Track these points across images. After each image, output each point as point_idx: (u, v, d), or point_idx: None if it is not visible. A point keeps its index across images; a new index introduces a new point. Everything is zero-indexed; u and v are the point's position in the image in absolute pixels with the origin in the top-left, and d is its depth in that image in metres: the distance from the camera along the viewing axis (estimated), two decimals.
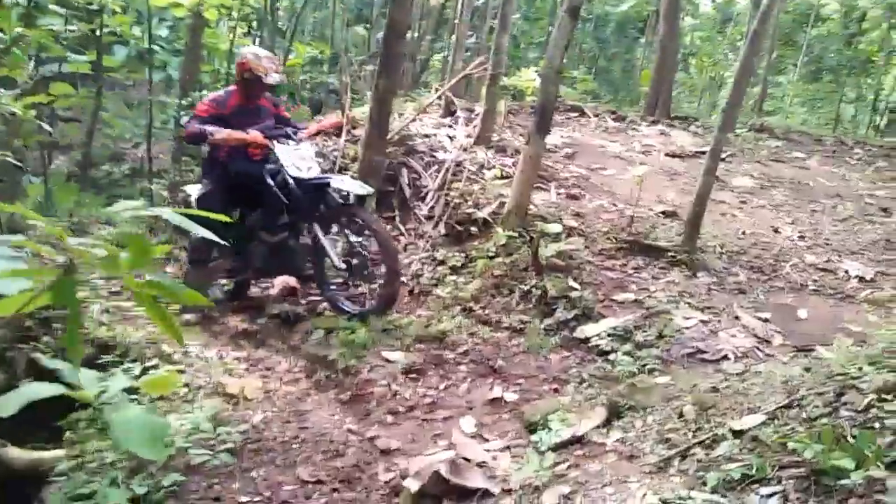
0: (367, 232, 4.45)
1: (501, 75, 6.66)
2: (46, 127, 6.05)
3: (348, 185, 4.37)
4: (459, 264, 5.02)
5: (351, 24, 14.15)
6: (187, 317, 4.69)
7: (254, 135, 4.33)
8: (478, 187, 5.72)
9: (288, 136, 4.55)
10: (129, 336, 4.47)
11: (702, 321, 3.88)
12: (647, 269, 4.51)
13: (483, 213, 5.22)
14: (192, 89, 10.10)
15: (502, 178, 5.81)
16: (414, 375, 3.78)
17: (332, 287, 4.70)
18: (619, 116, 8.81)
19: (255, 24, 11.87)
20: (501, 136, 6.89)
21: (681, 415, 3.06)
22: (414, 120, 6.84)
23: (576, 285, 4.29)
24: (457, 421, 3.45)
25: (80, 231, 8.56)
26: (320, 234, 4.49)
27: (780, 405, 2.91)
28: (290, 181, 4.37)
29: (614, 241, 4.76)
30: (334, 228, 4.66)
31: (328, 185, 4.37)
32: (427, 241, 5.53)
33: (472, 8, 10.20)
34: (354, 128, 6.98)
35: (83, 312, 4.97)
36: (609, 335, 3.85)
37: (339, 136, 7.02)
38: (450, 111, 7.38)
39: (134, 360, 4.30)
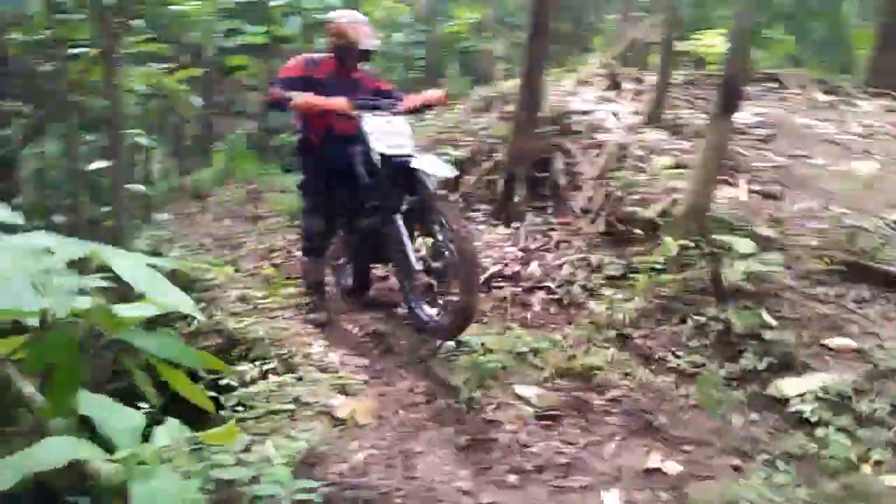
0: (441, 225, 3.61)
1: (677, 40, 5.56)
2: (196, 101, 5.97)
3: (429, 165, 3.60)
4: (618, 274, 4.18)
5: None
6: (312, 316, 4.35)
7: (337, 101, 3.71)
8: (645, 178, 4.79)
9: (380, 108, 3.92)
10: (256, 331, 4.24)
11: None
12: (875, 303, 3.38)
13: (649, 213, 4.31)
14: None
15: (676, 167, 4.82)
16: (548, 422, 3.08)
17: (416, 286, 3.93)
18: (831, 88, 7.22)
19: None
20: (677, 113, 5.82)
21: None
22: (573, 94, 5.98)
23: (771, 321, 3.30)
24: (598, 494, 2.71)
25: (256, 198, 8.82)
26: (399, 222, 3.78)
27: None
28: (376, 157, 3.73)
29: (827, 261, 3.65)
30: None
31: (410, 164, 3.64)
32: (583, 241, 4.73)
33: None
34: (507, 104, 6.27)
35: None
36: (817, 398, 2.87)
37: (488, 111, 6.37)
38: (615, 83, 6.39)
39: (255, 359, 4.06)
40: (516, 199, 5.21)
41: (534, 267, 4.73)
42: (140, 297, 1.12)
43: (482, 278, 4.61)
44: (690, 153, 4.89)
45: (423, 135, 7.17)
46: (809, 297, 3.45)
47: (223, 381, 3.78)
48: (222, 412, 3.38)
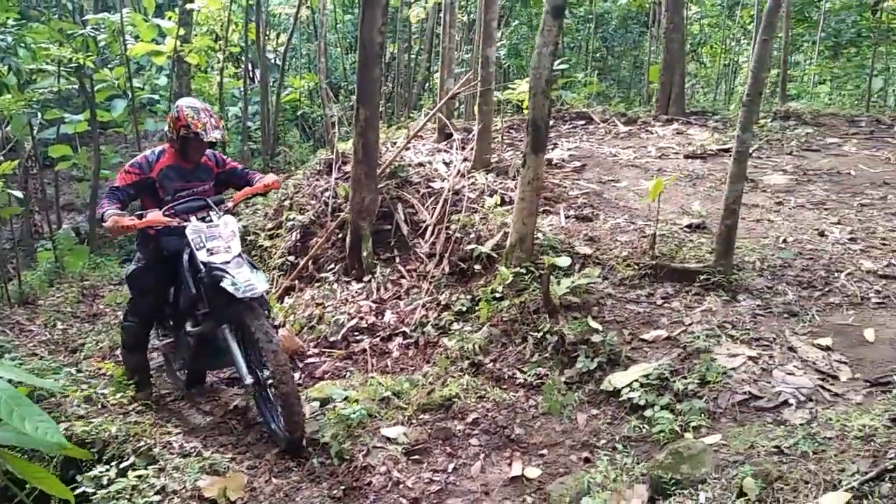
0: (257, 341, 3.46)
1: (493, 90, 6.13)
2: (17, 194, 5.67)
3: (239, 282, 3.44)
4: (465, 308, 4.48)
5: (349, 52, 13.81)
6: (140, 394, 4.25)
7: (151, 217, 3.59)
8: (479, 217, 5.18)
9: (209, 207, 3.81)
10: (107, 429, 4.02)
11: (750, 358, 3.28)
12: (678, 297, 3.91)
13: (485, 248, 4.67)
14: None
15: (504, 204, 5.27)
16: (417, 456, 3.24)
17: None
18: (630, 119, 8.21)
19: (252, 62, 11.53)
20: (501, 156, 6.36)
21: (741, 492, 2.47)
22: (406, 148, 6.35)
23: (597, 325, 3.71)
24: None
25: (91, 294, 8.26)
26: (228, 332, 3.65)
27: (867, 477, 2.31)
28: (201, 266, 3.61)
29: (636, 267, 4.17)
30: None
31: (221, 279, 3.50)
32: (430, 283, 5.00)
33: (456, 20, 9.68)
34: (345, 164, 6.52)
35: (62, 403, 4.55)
36: (642, 385, 3.27)
37: (329, 174, 6.58)
38: (445, 134, 6.87)
39: (110, 460, 3.85)
40: (364, 253, 5.40)
41: (388, 316, 4.92)
42: None
43: (340, 335, 4.77)
44: (514, 190, 5.37)
45: (267, 203, 7.23)
46: (625, 300, 3.92)
47: (78, 491, 3.56)
48: None
